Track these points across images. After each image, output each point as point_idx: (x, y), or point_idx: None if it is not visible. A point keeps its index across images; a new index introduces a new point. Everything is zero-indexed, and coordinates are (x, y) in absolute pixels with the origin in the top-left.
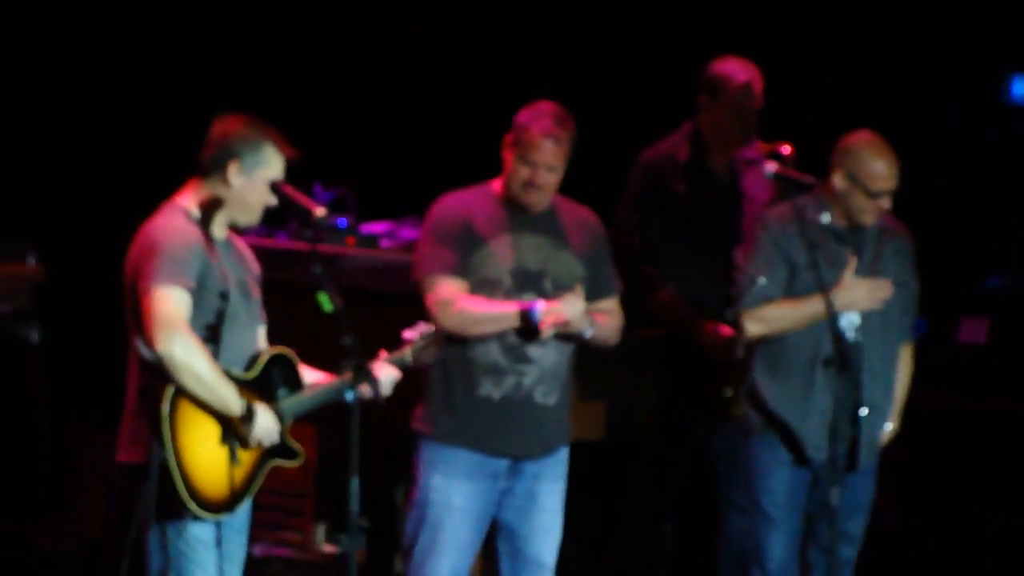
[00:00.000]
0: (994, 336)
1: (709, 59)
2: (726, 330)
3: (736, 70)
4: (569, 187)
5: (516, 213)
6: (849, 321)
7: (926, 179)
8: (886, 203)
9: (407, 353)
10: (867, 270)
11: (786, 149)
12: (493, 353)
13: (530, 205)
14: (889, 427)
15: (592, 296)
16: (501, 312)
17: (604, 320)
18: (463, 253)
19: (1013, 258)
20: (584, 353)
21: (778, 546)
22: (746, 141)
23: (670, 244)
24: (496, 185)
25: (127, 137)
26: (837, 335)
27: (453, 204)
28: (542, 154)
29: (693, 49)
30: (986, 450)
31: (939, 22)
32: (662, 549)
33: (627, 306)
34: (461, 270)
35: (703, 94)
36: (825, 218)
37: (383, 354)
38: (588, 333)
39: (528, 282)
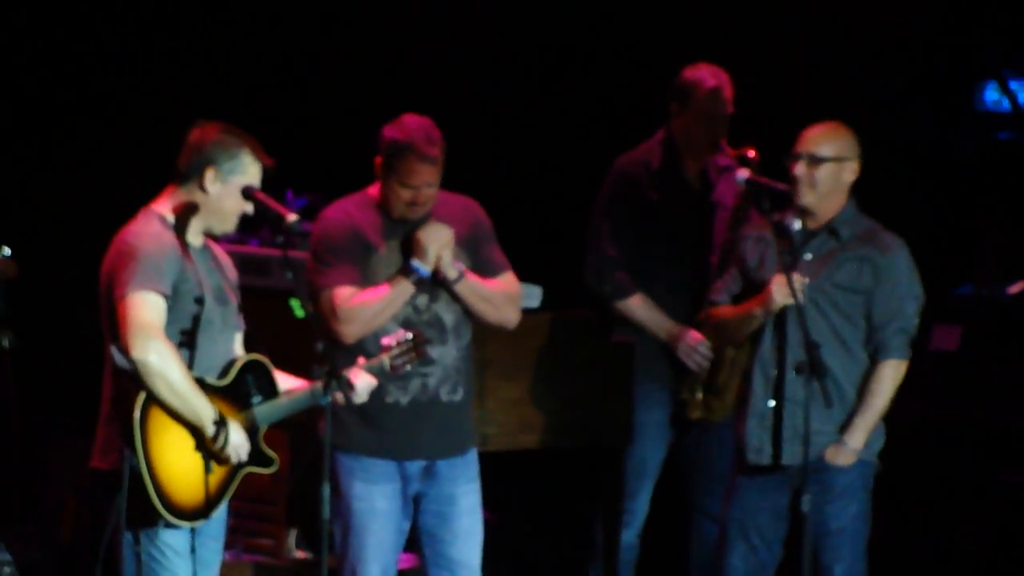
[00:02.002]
0: (966, 344)
1: (683, 65)
2: (696, 335)
3: (706, 76)
4: (546, 192)
5: (395, 220)
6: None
7: (898, 186)
8: (801, 169)
9: (385, 360)
10: (808, 270)
11: (751, 152)
12: None
13: (414, 219)
14: (847, 445)
15: (484, 278)
16: (394, 290)
17: (492, 284)
18: (356, 263)
19: (985, 266)
20: (556, 359)
21: (733, 561)
22: (716, 147)
23: (642, 251)
24: (373, 192)
25: (102, 143)
26: (808, 342)
27: (340, 217)
28: (420, 177)
29: (668, 55)
30: (958, 457)
31: (912, 30)
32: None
33: (600, 312)
34: (355, 280)
35: (674, 101)
36: (796, 224)
37: (360, 360)
38: (452, 275)
39: (419, 284)
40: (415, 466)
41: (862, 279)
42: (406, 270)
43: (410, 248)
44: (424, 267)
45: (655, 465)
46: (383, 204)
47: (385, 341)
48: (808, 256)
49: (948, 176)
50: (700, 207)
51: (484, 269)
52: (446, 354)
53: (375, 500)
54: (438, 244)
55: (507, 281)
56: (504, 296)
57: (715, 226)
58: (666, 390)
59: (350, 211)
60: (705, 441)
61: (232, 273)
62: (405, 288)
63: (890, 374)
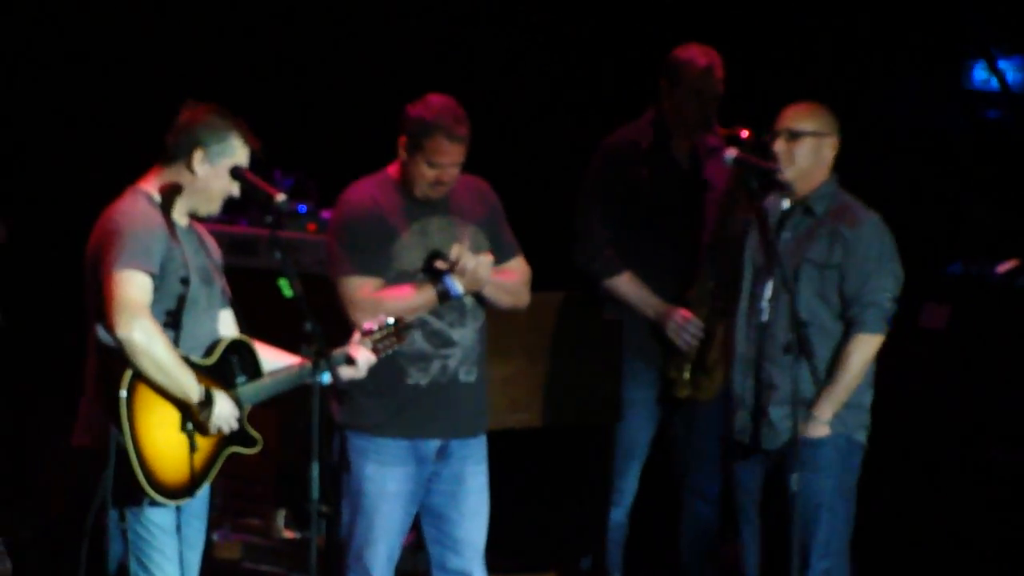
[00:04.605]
0: (955, 322)
1: (672, 46)
2: (685, 313)
3: (697, 55)
4: (532, 170)
5: (416, 200)
6: (765, 293)
7: (888, 165)
8: (781, 145)
9: (367, 344)
10: (787, 249)
11: (744, 133)
12: (417, 341)
13: (438, 198)
14: (816, 417)
15: (497, 261)
16: (420, 297)
17: (513, 276)
18: (378, 250)
19: (974, 244)
20: (544, 338)
21: (747, 543)
22: (707, 126)
23: (631, 229)
24: (392, 171)
25: (88, 127)
26: (795, 321)
27: (362, 200)
28: (449, 156)
29: (656, 36)
30: (946, 435)
31: (900, 8)
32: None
33: (588, 291)
34: (377, 268)
35: (664, 80)
36: (785, 203)
37: (356, 336)
38: (485, 289)
39: (434, 260)
40: (430, 447)
41: (833, 255)
42: (438, 283)
43: (439, 249)
44: (460, 290)
45: (643, 444)
46: (404, 184)
47: (367, 325)
48: (787, 235)
49: (937, 155)
50: (689, 186)
51: (499, 252)
52: (465, 336)
53: (387, 482)
54: (485, 278)
55: (520, 265)
56: (522, 284)
57: (705, 206)
58: (654, 368)
59: (373, 194)
60: (695, 420)
61: (216, 253)
62: (431, 301)
63: (860, 348)
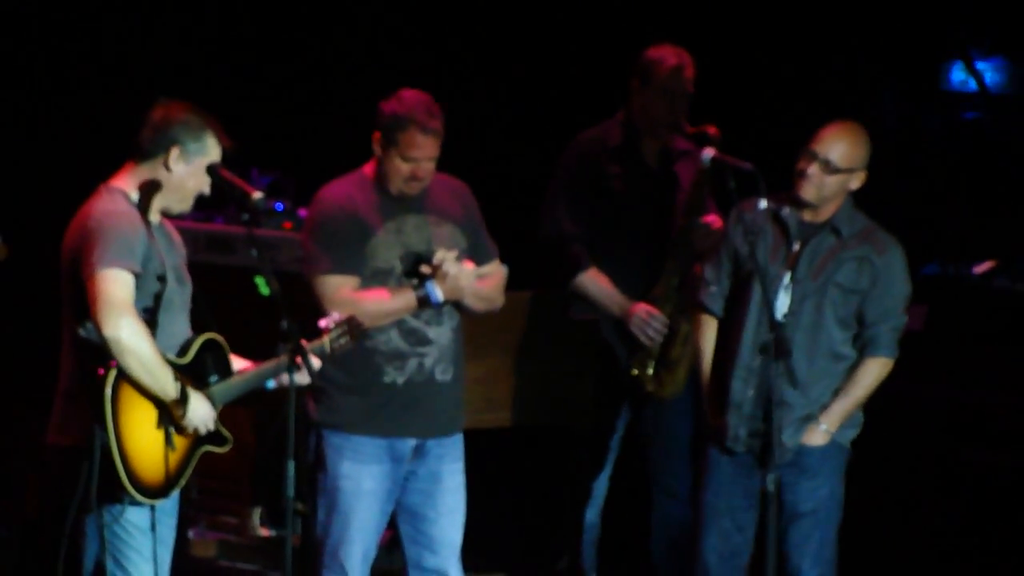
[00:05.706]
0: (932, 323)
1: (645, 45)
2: (649, 308)
3: (668, 55)
4: (501, 171)
5: (392, 198)
6: (779, 307)
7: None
8: (814, 170)
9: (325, 342)
10: (810, 265)
11: (711, 129)
12: (394, 340)
13: (413, 195)
14: (822, 428)
15: (476, 263)
16: (400, 302)
17: (489, 283)
18: (354, 248)
19: (951, 245)
20: (518, 338)
21: (707, 544)
22: (677, 126)
23: (598, 227)
24: (368, 170)
25: (53, 134)
26: (772, 322)
27: (338, 198)
28: (422, 150)
29: (629, 35)
30: (923, 436)
31: (878, 9)
32: (581, 537)
33: (556, 286)
34: (353, 266)
35: (635, 79)
36: (762, 204)
37: (303, 343)
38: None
39: (418, 264)
40: (406, 446)
41: (860, 280)
42: (419, 288)
43: (418, 247)
44: (441, 297)
45: (614, 444)
46: (380, 181)
47: (323, 323)
48: (808, 250)
49: (915, 155)
50: (658, 186)
51: (477, 255)
52: (441, 334)
53: (362, 480)
54: (467, 286)
55: (497, 269)
56: (497, 289)
57: (674, 205)
58: (619, 365)
59: (349, 192)
60: (663, 419)
61: (183, 251)
62: (411, 305)
63: (876, 370)
